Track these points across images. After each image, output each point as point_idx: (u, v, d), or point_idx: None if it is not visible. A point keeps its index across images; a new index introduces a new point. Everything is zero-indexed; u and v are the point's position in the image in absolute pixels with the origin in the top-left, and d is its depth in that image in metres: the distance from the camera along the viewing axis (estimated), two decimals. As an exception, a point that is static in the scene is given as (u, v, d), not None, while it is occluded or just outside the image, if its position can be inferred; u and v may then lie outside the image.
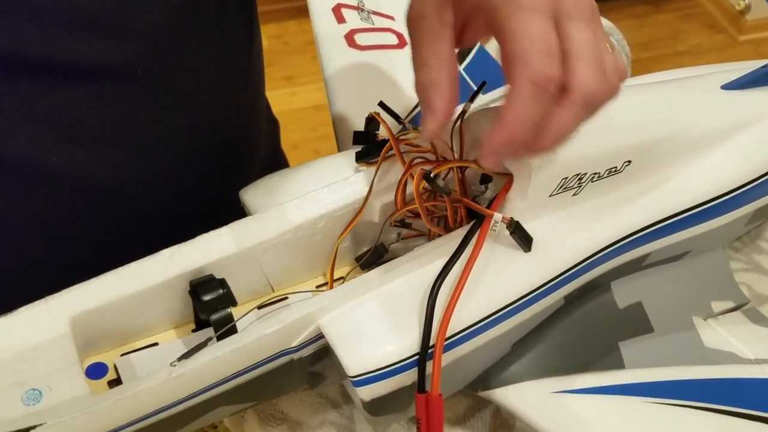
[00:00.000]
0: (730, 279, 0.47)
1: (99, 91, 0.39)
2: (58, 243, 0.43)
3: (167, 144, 0.45)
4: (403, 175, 0.37)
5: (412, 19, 0.32)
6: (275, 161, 0.62)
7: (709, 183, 0.42)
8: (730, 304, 0.45)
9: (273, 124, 0.63)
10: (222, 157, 0.50)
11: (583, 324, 0.40)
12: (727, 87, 0.45)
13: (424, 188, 0.38)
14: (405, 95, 0.54)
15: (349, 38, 0.59)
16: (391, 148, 0.38)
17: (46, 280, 0.34)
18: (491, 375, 0.38)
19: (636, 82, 0.48)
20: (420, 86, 0.32)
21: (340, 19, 0.61)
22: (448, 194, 0.35)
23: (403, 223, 0.40)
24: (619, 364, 0.39)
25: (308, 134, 1.58)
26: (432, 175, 0.34)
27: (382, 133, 0.40)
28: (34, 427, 0.29)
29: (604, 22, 0.65)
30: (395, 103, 0.43)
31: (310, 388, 0.38)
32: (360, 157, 0.40)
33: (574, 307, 0.40)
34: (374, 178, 0.38)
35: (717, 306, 0.45)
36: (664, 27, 2.05)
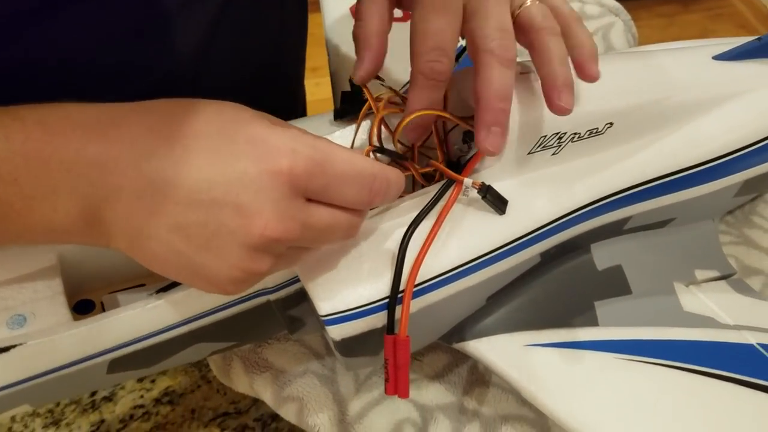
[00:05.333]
0: (717, 250, 0.47)
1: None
2: None
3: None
4: (375, 119, 0.38)
5: None
6: None
7: (693, 149, 0.42)
8: (715, 274, 0.45)
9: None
10: None
11: (560, 282, 0.41)
12: (718, 57, 0.46)
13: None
14: (403, 68, 0.55)
15: (354, 11, 0.60)
16: (371, 108, 0.39)
17: None
18: (466, 327, 0.39)
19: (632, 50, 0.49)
20: (354, 38, 0.37)
21: (347, -8, 0.62)
22: (403, 159, 0.36)
23: None
24: (593, 322, 0.40)
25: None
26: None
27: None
28: (15, 346, 0.31)
29: (610, 1, 0.66)
30: (393, 73, 0.44)
31: (289, 334, 0.39)
32: (338, 116, 0.41)
33: (551, 266, 0.41)
34: (357, 130, 0.39)
35: (701, 274, 0.45)
36: (693, 27, 2.03)
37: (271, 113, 0.51)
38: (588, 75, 0.36)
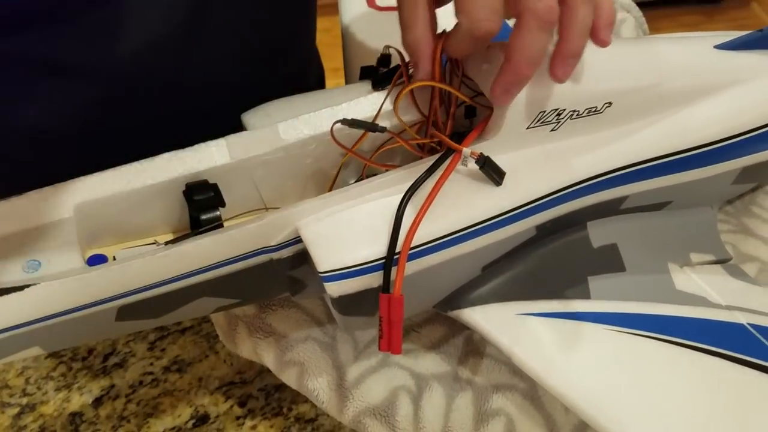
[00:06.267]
0: (714, 235, 0.48)
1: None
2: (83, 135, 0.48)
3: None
4: (402, 89, 0.39)
5: None
6: None
7: (690, 133, 0.43)
8: (711, 257, 0.46)
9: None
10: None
11: (554, 256, 0.42)
12: (720, 47, 0.47)
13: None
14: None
15: (370, 0, 0.62)
16: (401, 75, 0.40)
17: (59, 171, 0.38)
18: (461, 296, 0.40)
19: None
20: (406, 45, 0.38)
21: (364, -17, 0.64)
22: (372, 130, 0.38)
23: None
24: (585, 295, 0.41)
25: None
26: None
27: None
28: (29, 286, 0.32)
29: (621, -2, 0.67)
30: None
31: (291, 296, 0.41)
32: (376, 85, 0.42)
33: (547, 240, 0.42)
34: (385, 99, 0.40)
35: (696, 257, 0.46)
36: (716, 37, 2.03)
37: (276, 83, 0.53)
38: (600, 40, 0.37)
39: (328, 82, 0.75)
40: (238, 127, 0.42)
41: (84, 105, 0.46)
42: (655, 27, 0.68)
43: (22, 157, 0.49)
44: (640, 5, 0.69)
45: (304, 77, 0.63)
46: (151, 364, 0.55)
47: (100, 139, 0.48)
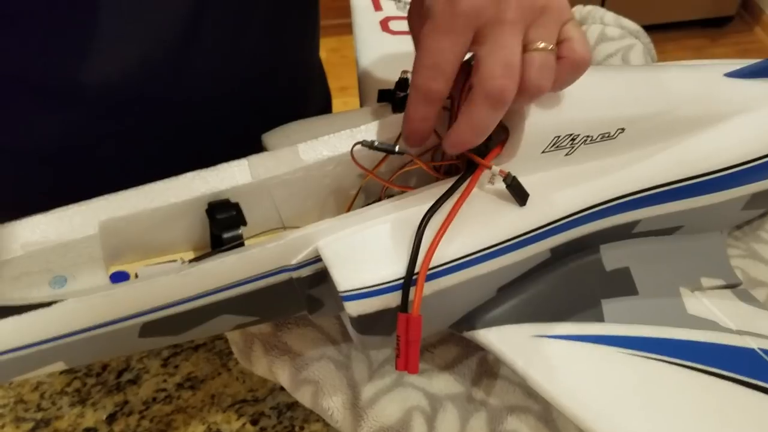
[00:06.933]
0: (724, 260, 0.49)
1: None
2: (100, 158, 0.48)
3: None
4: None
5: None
6: None
7: (700, 159, 0.44)
8: (721, 282, 0.47)
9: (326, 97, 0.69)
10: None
11: (568, 279, 0.42)
12: (730, 75, 0.48)
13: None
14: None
15: (384, 24, 0.64)
16: None
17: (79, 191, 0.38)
18: (476, 316, 0.41)
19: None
20: (404, 136, 0.38)
21: (378, 7, 0.66)
22: (392, 152, 0.39)
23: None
24: (599, 318, 0.42)
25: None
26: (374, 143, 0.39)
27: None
28: (56, 302, 0.33)
29: (630, 24, 0.68)
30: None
31: (308, 314, 0.41)
32: (396, 108, 0.43)
33: (561, 263, 0.43)
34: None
35: (707, 282, 0.46)
36: (720, 61, 2.05)
37: (274, 102, 0.53)
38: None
39: (336, 101, 0.76)
40: (235, 143, 0.43)
41: (78, 125, 0.46)
42: (659, 50, 0.69)
43: (29, 176, 0.50)
44: (644, 29, 0.70)
45: (305, 96, 0.64)
46: (165, 380, 0.56)
47: (98, 157, 0.49)
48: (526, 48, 0.34)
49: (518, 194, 0.39)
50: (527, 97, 0.35)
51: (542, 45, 0.34)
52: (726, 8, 2.15)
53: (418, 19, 0.36)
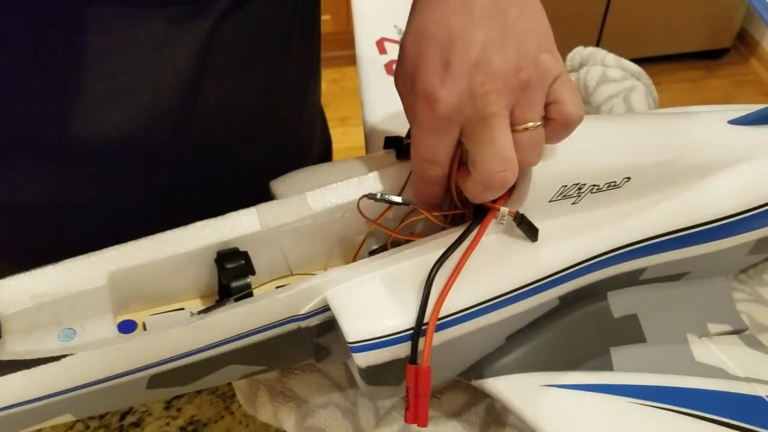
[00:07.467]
0: (730, 305, 0.49)
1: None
2: (113, 212, 0.48)
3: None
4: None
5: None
6: None
7: (706, 207, 0.44)
8: (728, 328, 0.47)
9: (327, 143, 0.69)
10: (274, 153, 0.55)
11: (577, 326, 0.42)
12: (734, 122, 0.48)
13: None
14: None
15: (388, 67, 0.64)
16: None
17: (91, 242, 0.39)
18: (484, 365, 0.41)
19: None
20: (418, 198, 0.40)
21: (382, 51, 0.66)
22: (398, 204, 0.40)
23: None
24: (608, 367, 0.41)
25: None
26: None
27: None
28: (66, 356, 0.33)
29: (631, 66, 0.69)
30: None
31: (315, 362, 0.41)
32: (400, 155, 0.43)
33: (569, 310, 0.43)
34: (411, 171, 0.41)
35: (714, 328, 0.47)
36: (717, 92, 2.07)
37: (272, 153, 0.53)
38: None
39: (335, 131, 0.77)
40: (235, 195, 0.43)
41: (75, 180, 0.47)
42: (656, 82, 0.70)
43: (22, 230, 0.49)
44: (641, 61, 0.71)
45: (307, 145, 0.64)
46: (168, 423, 0.55)
47: (96, 212, 0.49)
48: (513, 129, 0.35)
49: (529, 231, 0.39)
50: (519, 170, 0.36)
51: (530, 125, 0.35)
52: (722, 40, 2.17)
53: (402, 83, 0.37)
